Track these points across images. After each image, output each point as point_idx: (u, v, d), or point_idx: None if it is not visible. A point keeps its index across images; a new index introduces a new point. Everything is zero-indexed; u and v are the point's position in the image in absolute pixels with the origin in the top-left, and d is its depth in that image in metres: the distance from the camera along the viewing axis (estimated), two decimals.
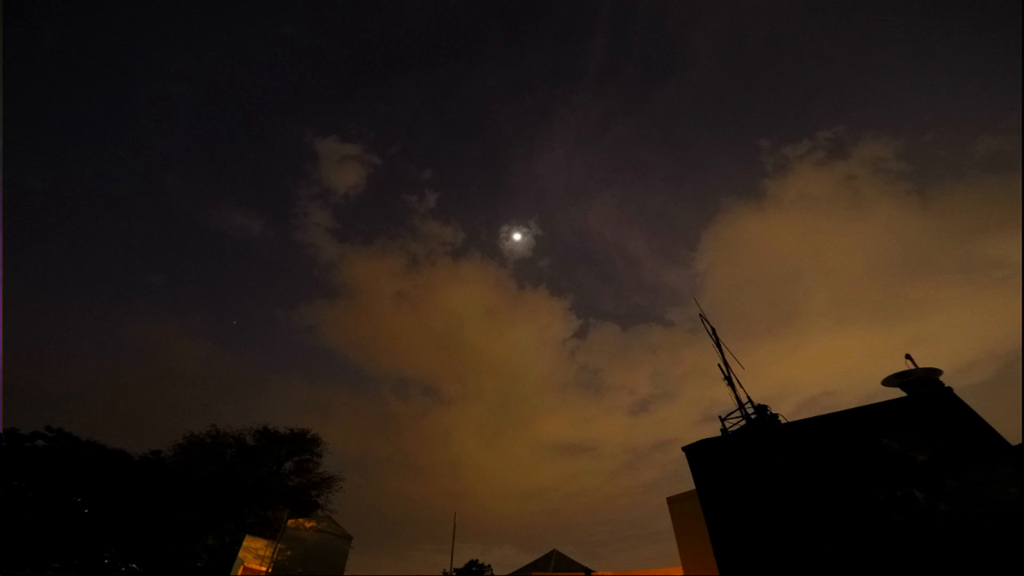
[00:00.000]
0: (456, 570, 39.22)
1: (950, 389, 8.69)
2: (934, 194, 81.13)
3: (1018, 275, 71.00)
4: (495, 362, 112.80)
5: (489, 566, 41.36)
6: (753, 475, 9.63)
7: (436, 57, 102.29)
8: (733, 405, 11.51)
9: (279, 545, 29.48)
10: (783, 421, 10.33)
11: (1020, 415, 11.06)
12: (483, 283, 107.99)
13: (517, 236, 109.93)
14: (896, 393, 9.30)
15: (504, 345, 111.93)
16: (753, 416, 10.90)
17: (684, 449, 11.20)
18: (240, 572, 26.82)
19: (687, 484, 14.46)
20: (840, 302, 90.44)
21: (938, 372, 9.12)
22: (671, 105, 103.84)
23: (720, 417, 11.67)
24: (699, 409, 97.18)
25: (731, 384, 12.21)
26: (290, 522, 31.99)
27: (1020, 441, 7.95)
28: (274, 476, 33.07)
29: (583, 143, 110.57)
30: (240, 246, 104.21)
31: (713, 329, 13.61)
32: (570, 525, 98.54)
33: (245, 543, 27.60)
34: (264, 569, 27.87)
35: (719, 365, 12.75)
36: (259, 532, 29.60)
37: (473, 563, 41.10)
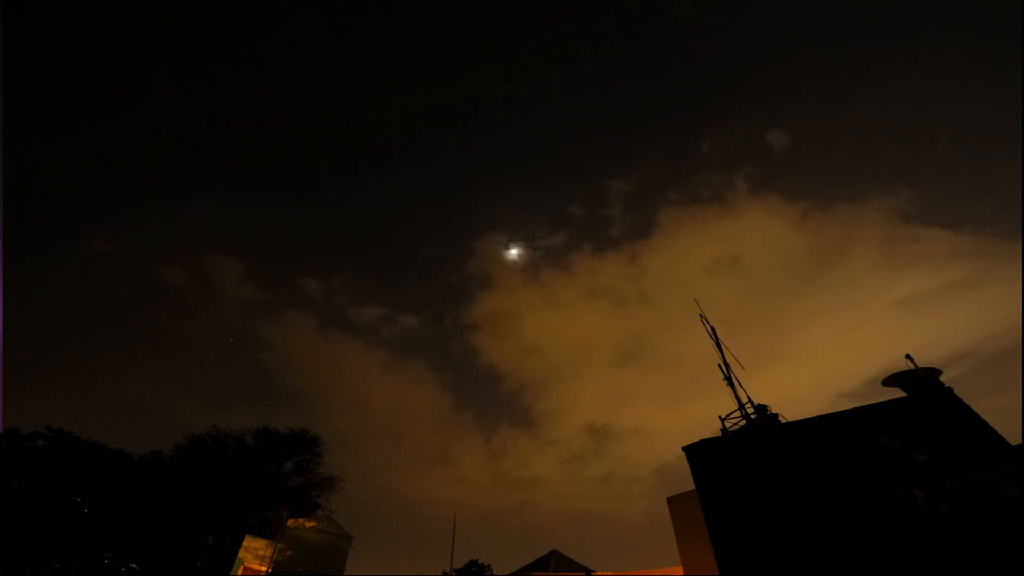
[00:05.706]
0: (456, 570, 39.15)
1: (950, 389, 8.69)
2: None
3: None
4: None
5: (489, 566, 41.29)
6: (753, 475, 9.63)
7: None
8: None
9: (279, 545, 29.48)
10: (783, 421, 10.34)
11: (1020, 415, 11.06)
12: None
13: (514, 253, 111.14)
14: (896, 393, 9.31)
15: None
16: (753, 416, 10.90)
17: (684, 449, 11.20)
18: (240, 572, 26.82)
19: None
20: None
21: (938, 372, 9.13)
22: None
23: (720, 417, 11.68)
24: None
25: (731, 384, 12.21)
26: (290, 522, 31.98)
27: (1020, 441, 7.95)
28: (274, 476, 33.04)
29: None
30: None
31: (713, 329, 13.61)
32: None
33: (245, 543, 27.60)
34: (264, 569, 27.87)
35: (719, 365, 12.75)
36: (259, 532, 29.59)
37: (473, 563, 41.02)
